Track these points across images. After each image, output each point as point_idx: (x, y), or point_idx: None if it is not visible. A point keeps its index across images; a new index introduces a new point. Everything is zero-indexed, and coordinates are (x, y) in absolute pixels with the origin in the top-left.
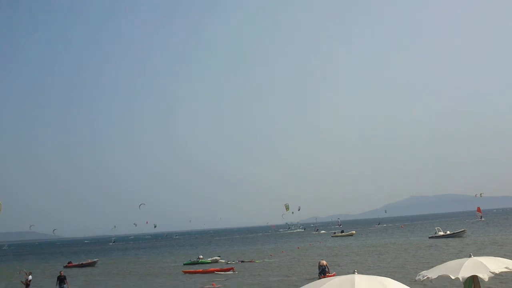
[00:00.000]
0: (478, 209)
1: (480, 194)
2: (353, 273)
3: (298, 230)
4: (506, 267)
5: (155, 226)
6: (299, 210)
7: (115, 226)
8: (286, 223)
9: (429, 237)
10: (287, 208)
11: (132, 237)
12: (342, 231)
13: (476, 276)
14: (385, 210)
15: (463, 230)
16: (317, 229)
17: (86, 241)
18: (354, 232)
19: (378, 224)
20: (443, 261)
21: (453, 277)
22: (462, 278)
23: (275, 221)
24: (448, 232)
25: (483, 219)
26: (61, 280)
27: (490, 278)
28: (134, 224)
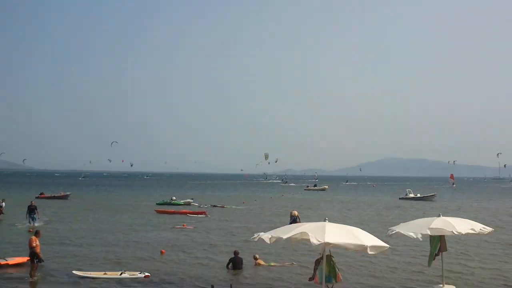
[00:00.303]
0: (451, 176)
1: (454, 161)
2: (324, 221)
3: (274, 181)
4: (472, 229)
5: (131, 165)
6: (276, 162)
7: (90, 162)
8: (264, 173)
9: (399, 198)
10: (266, 157)
11: (105, 174)
12: (315, 185)
13: (443, 236)
14: (360, 169)
15: (433, 194)
16: (286, 181)
17: (56, 174)
18: (326, 187)
19: (346, 182)
20: (411, 219)
21: (421, 233)
22: (431, 231)
23: (250, 171)
24: (418, 195)
25: (454, 185)
26: (31, 209)
27: (455, 239)
28: (109, 159)
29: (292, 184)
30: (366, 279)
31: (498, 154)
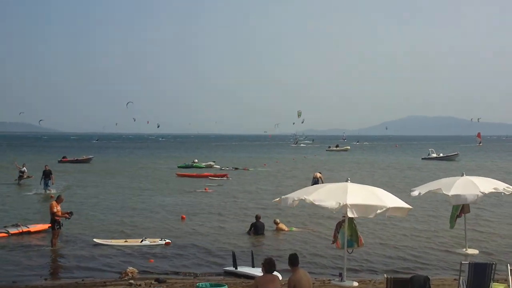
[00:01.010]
0: (478, 135)
1: (478, 119)
2: (346, 181)
3: (306, 142)
4: (495, 188)
5: (158, 126)
6: (302, 122)
7: (116, 124)
8: (294, 133)
9: (422, 158)
10: (299, 114)
11: (131, 136)
12: (337, 146)
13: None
14: (386, 127)
15: (456, 154)
16: (297, 142)
17: (73, 137)
18: (348, 147)
19: (357, 142)
20: (434, 179)
21: (445, 192)
22: (454, 198)
23: (272, 132)
24: (441, 155)
25: (481, 144)
26: (47, 174)
27: (480, 198)
28: (133, 119)
29: (302, 145)
30: (388, 243)
31: None
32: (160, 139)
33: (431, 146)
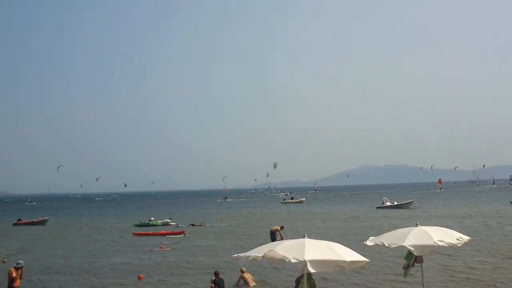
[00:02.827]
0: (439, 181)
1: (431, 166)
2: (303, 237)
3: (277, 194)
4: (448, 238)
5: (125, 185)
6: (267, 176)
7: (81, 186)
8: (269, 187)
9: (376, 207)
10: (275, 166)
11: (79, 196)
12: (292, 198)
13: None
14: (348, 175)
15: (410, 201)
16: (225, 197)
17: (6, 200)
18: (303, 199)
19: (316, 190)
20: (388, 230)
21: (399, 243)
22: (409, 247)
23: (218, 185)
24: (395, 203)
25: (442, 190)
26: None
27: (435, 248)
28: (96, 178)
29: (229, 200)
30: None
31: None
32: (114, 195)
33: (388, 194)
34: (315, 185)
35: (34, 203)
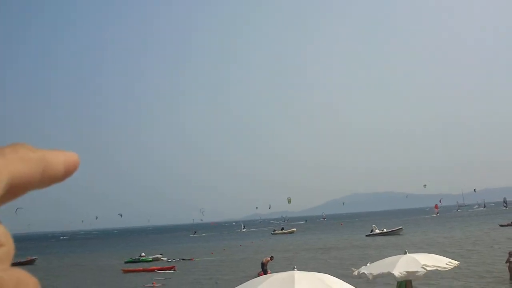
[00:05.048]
0: (436, 206)
1: (424, 185)
2: (293, 269)
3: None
4: (437, 263)
5: (121, 216)
6: (269, 208)
7: (28, 224)
8: (283, 216)
9: (366, 235)
10: (289, 201)
11: (81, 233)
12: (282, 228)
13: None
14: (343, 202)
15: (400, 228)
16: (195, 232)
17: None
18: (294, 229)
19: (324, 218)
20: (377, 258)
21: (389, 271)
22: (399, 274)
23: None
24: (384, 230)
25: (438, 214)
26: None
27: (424, 274)
28: (96, 217)
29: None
30: None
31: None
32: (61, 237)
33: (380, 221)
34: (324, 214)
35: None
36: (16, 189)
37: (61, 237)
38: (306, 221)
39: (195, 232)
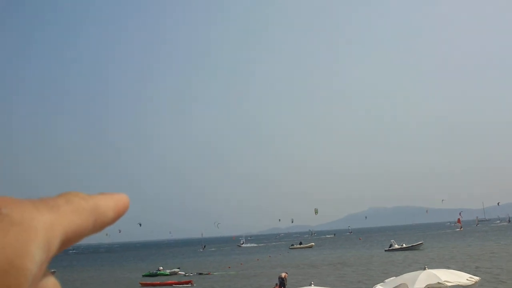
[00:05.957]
0: (458, 220)
1: (442, 200)
2: (309, 285)
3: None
4: (458, 279)
5: (140, 225)
6: (292, 222)
7: (107, 234)
8: (310, 230)
9: (385, 250)
10: (316, 212)
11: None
12: (301, 243)
13: None
14: (366, 216)
15: (420, 243)
16: (242, 242)
17: None
18: (313, 244)
19: (350, 232)
20: (396, 274)
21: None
22: None
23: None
24: (404, 245)
25: (462, 229)
26: None
27: None
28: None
29: (248, 245)
30: None
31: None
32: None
33: (397, 236)
34: (350, 227)
35: None
36: (69, 242)
37: (76, 252)
38: (335, 234)
39: (204, 246)
